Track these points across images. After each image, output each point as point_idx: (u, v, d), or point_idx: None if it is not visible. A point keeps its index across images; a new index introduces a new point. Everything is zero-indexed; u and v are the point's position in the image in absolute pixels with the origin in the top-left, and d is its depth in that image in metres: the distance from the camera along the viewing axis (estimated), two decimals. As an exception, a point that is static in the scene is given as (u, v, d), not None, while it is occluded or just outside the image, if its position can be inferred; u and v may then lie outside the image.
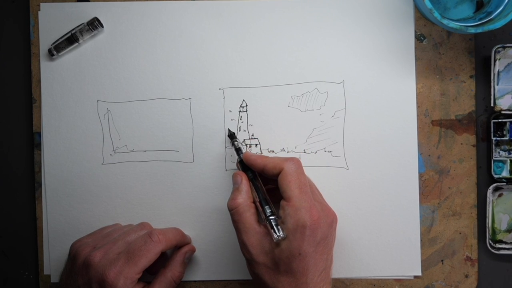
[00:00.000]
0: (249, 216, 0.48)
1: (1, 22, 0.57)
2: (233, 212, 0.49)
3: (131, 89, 0.56)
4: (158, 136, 0.56)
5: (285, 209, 0.47)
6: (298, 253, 0.46)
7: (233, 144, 0.53)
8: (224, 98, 0.55)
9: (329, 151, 0.55)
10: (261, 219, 0.49)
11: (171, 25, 0.55)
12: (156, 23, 0.55)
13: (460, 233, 0.55)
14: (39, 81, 0.56)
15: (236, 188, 0.50)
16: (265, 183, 0.51)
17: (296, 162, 0.49)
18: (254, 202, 0.49)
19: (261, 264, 0.47)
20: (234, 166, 0.55)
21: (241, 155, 0.52)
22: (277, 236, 0.46)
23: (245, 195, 0.49)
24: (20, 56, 0.57)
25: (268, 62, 0.55)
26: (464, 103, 0.55)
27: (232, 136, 0.54)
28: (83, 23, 0.55)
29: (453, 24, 0.49)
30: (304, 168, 0.55)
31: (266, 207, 0.48)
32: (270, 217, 0.47)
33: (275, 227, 0.46)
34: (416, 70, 0.55)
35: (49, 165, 0.56)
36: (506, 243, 0.55)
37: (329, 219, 0.48)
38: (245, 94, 0.55)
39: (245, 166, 0.51)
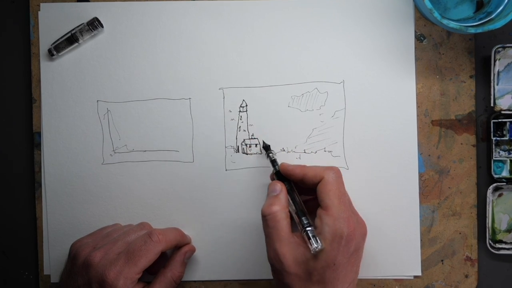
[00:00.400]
0: (285, 225, 0.47)
1: (1, 22, 0.57)
2: (269, 217, 0.48)
3: (131, 89, 0.56)
4: (158, 136, 0.56)
5: (323, 218, 0.47)
6: (333, 263, 0.46)
7: (268, 156, 0.53)
8: (224, 98, 0.55)
9: (329, 151, 0.55)
10: (295, 229, 0.48)
11: (171, 25, 0.55)
12: (156, 23, 0.55)
13: (460, 233, 0.55)
14: (39, 81, 0.56)
15: (274, 196, 0.49)
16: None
17: (336, 171, 0.49)
18: (289, 212, 0.49)
19: (293, 274, 0.47)
20: (234, 166, 0.55)
21: (276, 166, 0.52)
22: (315, 247, 0.46)
23: (283, 203, 0.48)
24: (20, 56, 0.57)
25: (268, 62, 0.55)
26: (464, 103, 0.55)
27: (267, 148, 0.54)
28: (83, 23, 0.55)
29: (453, 24, 0.49)
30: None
31: (303, 218, 0.48)
32: (307, 228, 0.47)
33: (312, 238, 0.46)
34: (416, 70, 0.55)
35: (49, 165, 0.56)
36: (506, 243, 0.55)
37: (363, 231, 0.49)
38: (245, 94, 0.55)
39: (281, 177, 0.51)
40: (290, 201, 0.49)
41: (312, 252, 0.46)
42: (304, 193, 0.52)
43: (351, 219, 0.47)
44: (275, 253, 0.47)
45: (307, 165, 0.51)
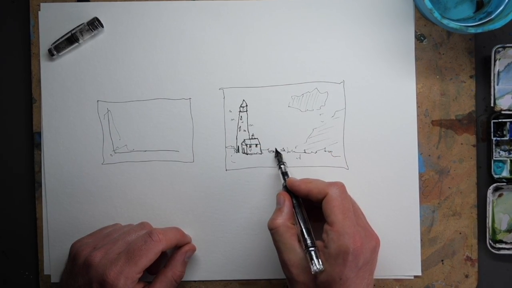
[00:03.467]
0: (289, 236, 0.48)
1: (1, 22, 0.57)
2: (273, 232, 0.49)
3: (131, 89, 0.56)
4: (158, 136, 0.56)
5: (328, 233, 0.47)
6: (339, 278, 0.46)
7: (279, 168, 0.53)
8: (224, 98, 0.55)
9: (329, 151, 0.55)
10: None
11: (171, 25, 0.55)
12: (156, 23, 0.55)
13: (460, 233, 0.55)
14: (39, 81, 0.56)
15: (278, 209, 0.50)
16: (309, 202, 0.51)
17: (340, 187, 0.49)
18: (295, 225, 0.50)
19: (301, 283, 0.48)
20: (234, 166, 0.55)
21: (286, 179, 0.52)
22: (316, 268, 0.46)
23: (285, 216, 0.49)
24: (20, 56, 0.57)
25: (268, 62, 0.55)
26: (464, 103, 0.55)
27: (280, 158, 0.54)
28: (83, 23, 0.55)
29: (453, 24, 0.49)
30: (304, 168, 0.55)
31: (307, 237, 0.48)
32: (310, 249, 0.47)
33: (315, 259, 0.46)
34: (416, 70, 0.55)
35: (49, 165, 0.56)
36: (506, 243, 0.55)
37: (372, 245, 0.49)
38: (245, 94, 0.55)
39: (289, 190, 0.51)
40: (296, 218, 0.50)
41: (312, 272, 0.46)
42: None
43: (357, 234, 0.47)
44: (284, 263, 0.48)
45: (312, 178, 0.51)
